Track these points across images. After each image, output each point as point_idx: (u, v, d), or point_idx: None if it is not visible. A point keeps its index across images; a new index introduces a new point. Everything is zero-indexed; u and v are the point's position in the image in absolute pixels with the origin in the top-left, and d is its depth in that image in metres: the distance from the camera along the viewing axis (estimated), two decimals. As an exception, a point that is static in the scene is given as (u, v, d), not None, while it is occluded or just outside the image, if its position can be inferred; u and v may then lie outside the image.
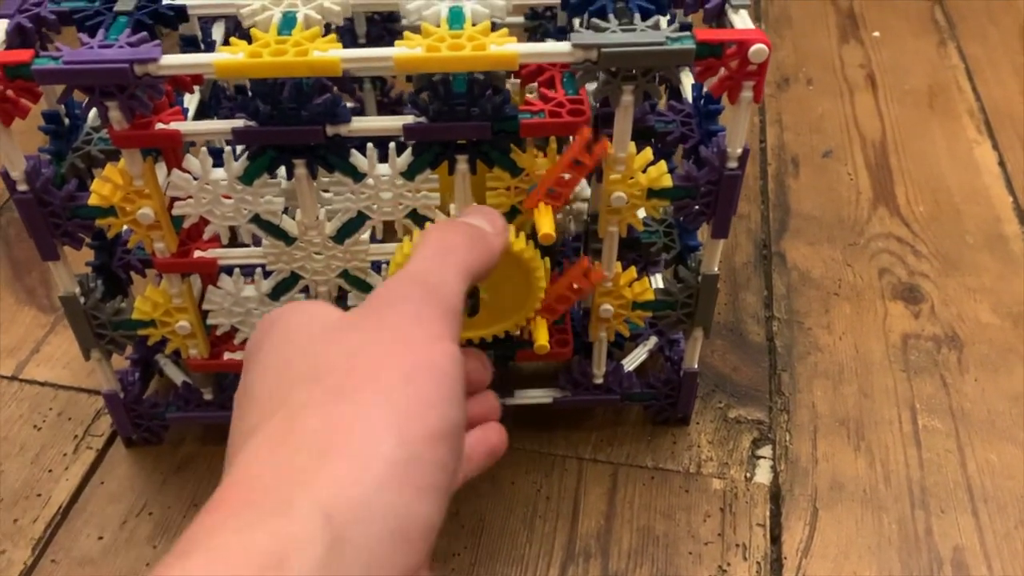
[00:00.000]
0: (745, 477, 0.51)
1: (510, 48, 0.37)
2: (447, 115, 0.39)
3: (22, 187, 0.41)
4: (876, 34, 0.89)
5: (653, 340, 0.55)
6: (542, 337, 0.45)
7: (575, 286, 0.45)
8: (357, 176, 0.41)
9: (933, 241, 0.66)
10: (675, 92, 0.50)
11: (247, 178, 0.41)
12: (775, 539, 0.48)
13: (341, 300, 0.46)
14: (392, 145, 0.41)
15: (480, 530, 0.48)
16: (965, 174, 0.72)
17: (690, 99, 0.48)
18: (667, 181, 0.42)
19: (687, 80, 0.49)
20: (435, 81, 0.38)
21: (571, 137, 0.47)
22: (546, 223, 0.40)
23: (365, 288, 0.46)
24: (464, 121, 0.39)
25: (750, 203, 0.69)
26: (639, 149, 0.41)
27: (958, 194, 0.70)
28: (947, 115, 0.78)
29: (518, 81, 0.48)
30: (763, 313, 0.61)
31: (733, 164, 0.41)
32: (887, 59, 0.85)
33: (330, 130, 0.39)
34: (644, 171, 0.42)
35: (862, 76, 0.83)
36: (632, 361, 0.53)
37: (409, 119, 0.39)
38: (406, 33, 0.38)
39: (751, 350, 0.58)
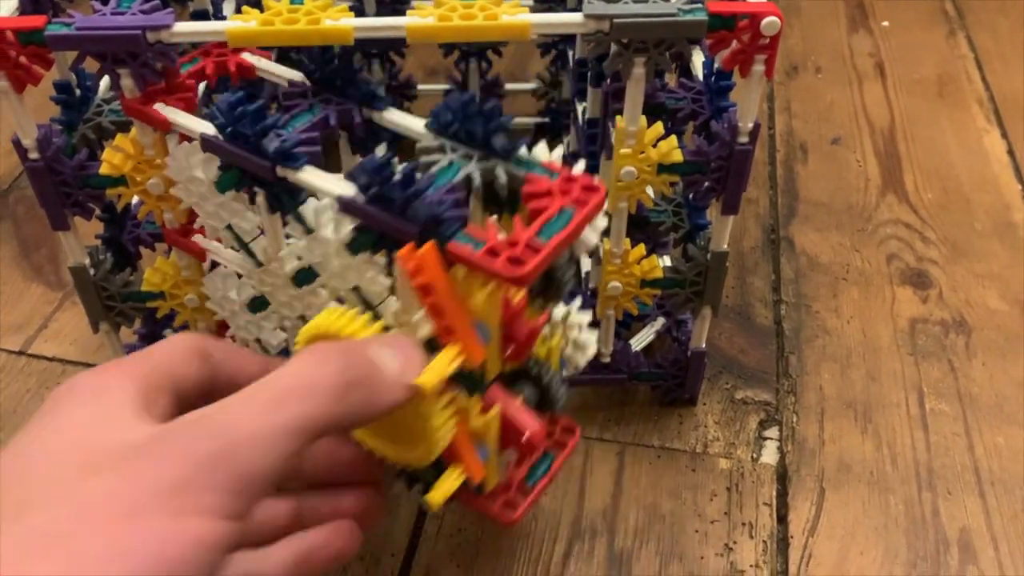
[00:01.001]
0: (752, 457, 0.51)
1: (522, 17, 0.37)
2: (382, 201, 0.33)
3: (33, 155, 0.41)
4: (885, 24, 0.88)
5: (660, 321, 0.55)
6: (438, 489, 0.35)
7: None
8: (308, 226, 0.37)
9: (942, 228, 0.66)
10: (685, 71, 0.50)
11: (220, 187, 0.39)
12: (781, 519, 0.48)
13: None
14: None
15: (486, 507, 0.48)
16: (974, 162, 0.72)
17: (700, 77, 0.48)
18: (677, 156, 0.42)
19: (698, 59, 0.49)
20: (381, 164, 0.32)
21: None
22: (431, 372, 0.32)
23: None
24: (395, 215, 0.32)
25: (758, 188, 0.69)
26: (649, 125, 0.41)
27: (967, 182, 0.70)
28: (956, 104, 0.78)
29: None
30: (771, 297, 0.61)
31: (744, 139, 0.41)
32: (896, 49, 0.85)
33: (280, 171, 0.36)
34: (654, 146, 0.42)
35: (871, 65, 0.83)
36: (639, 342, 0.53)
37: (350, 189, 0.34)
38: (417, 3, 0.38)
39: (758, 333, 0.58)
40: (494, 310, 0.33)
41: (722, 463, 0.51)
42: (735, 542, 0.47)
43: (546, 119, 0.71)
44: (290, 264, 0.39)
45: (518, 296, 0.36)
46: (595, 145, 0.54)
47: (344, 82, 0.41)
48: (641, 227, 0.50)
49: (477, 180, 0.34)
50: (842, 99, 0.79)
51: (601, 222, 0.35)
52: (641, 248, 0.46)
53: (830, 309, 0.60)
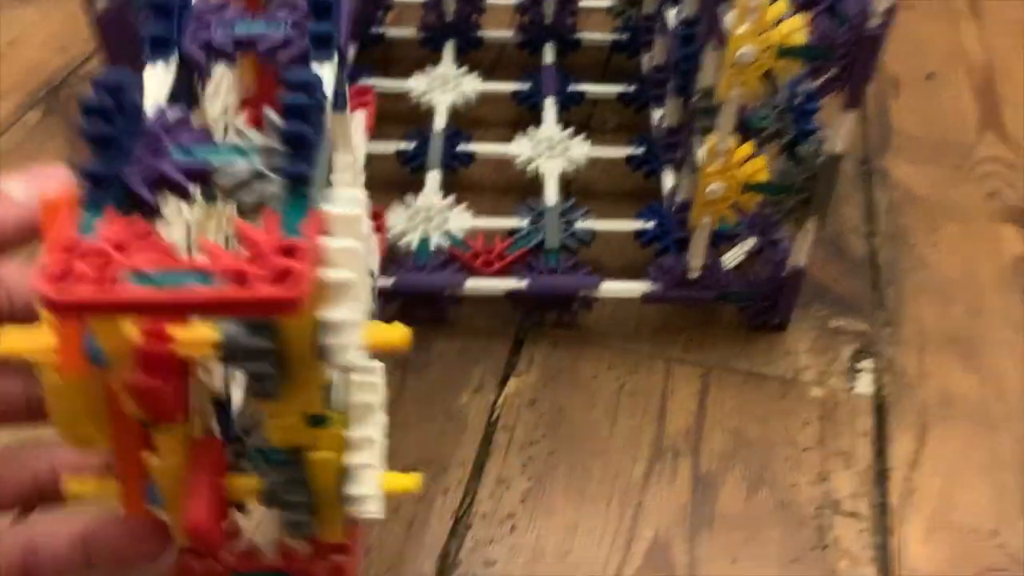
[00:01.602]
0: (846, 387, 0.47)
1: None
2: None
3: (102, 3, 0.38)
4: (981, -36, 0.83)
5: (751, 241, 0.51)
6: (85, 482, 0.26)
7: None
8: None
9: (1045, 168, 0.62)
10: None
11: None
12: (880, 451, 0.44)
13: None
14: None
15: (559, 420, 0.45)
16: (1079, 105, 0.67)
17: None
18: (800, 37, 0.38)
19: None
20: (121, 83, 0.23)
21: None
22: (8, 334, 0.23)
23: None
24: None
25: (849, 119, 0.65)
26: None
27: (1071, 124, 0.66)
28: (1058, 47, 0.73)
29: None
30: (864, 228, 0.57)
31: (876, 21, 0.37)
32: (993, -11, 0.80)
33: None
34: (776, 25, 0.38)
35: (966, 4, 0.78)
36: (729, 261, 0.50)
37: None
38: None
39: (852, 263, 0.54)
40: (108, 331, 0.22)
41: (814, 391, 0.47)
42: (830, 471, 0.43)
43: (623, 36, 0.67)
44: None
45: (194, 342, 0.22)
46: (690, 46, 0.50)
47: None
48: (740, 131, 0.46)
49: (226, 179, 0.24)
50: (936, 36, 0.74)
51: (353, 336, 0.23)
52: (748, 147, 0.42)
53: (928, 243, 0.56)
